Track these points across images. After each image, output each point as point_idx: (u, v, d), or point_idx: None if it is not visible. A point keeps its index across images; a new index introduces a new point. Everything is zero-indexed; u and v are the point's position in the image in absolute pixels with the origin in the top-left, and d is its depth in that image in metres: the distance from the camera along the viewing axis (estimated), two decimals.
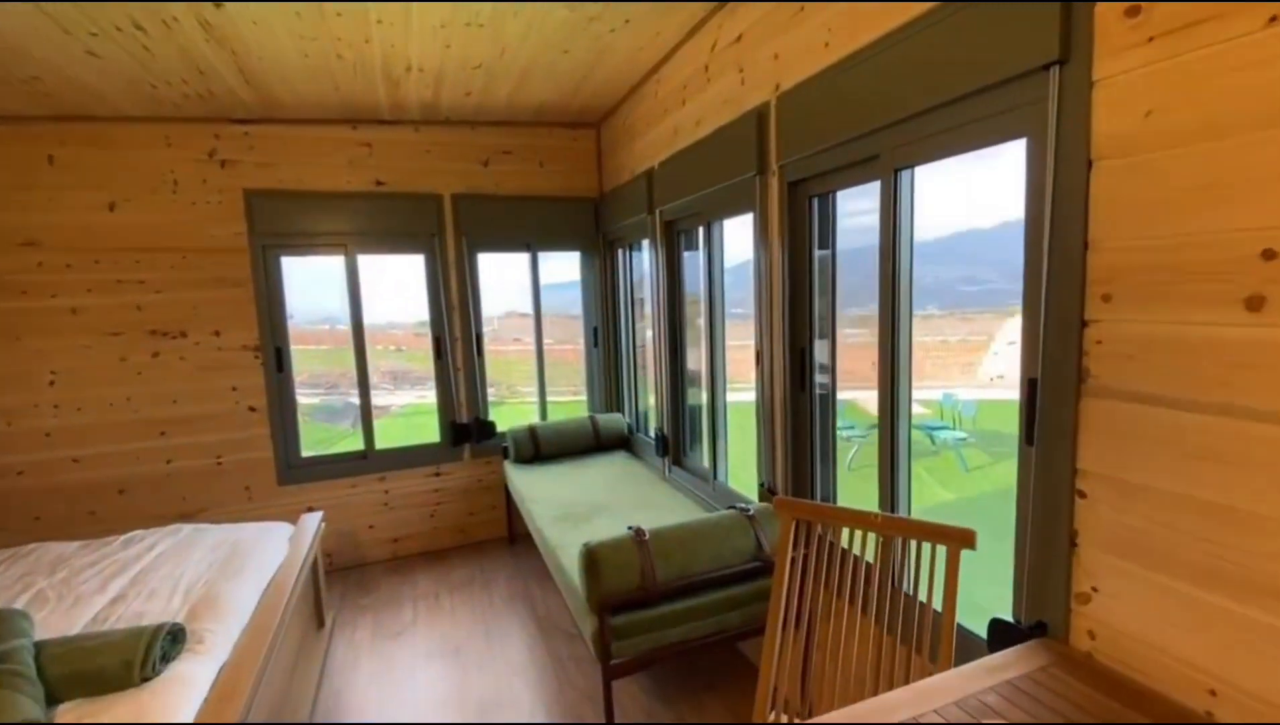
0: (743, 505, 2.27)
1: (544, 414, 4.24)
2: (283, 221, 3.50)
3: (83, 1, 2.00)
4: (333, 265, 3.72)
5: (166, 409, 3.42)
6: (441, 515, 3.97)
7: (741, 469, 3.08)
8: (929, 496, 7.16)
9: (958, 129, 1.49)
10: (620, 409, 4.17)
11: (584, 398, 4.40)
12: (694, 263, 3.21)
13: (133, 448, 3.38)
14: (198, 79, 2.81)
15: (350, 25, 2.37)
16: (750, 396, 2.52)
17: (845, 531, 1.72)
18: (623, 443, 3.99)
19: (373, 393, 3.87)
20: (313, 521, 2.95)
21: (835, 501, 2.27)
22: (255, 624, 2.02)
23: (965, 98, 1.44)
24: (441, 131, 3.74)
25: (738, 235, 2.87)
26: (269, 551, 2.56)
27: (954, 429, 8.09)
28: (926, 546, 1.56)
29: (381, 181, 3.67)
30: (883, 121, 1.67)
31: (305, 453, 3.78)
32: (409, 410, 13.66)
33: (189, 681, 1.60)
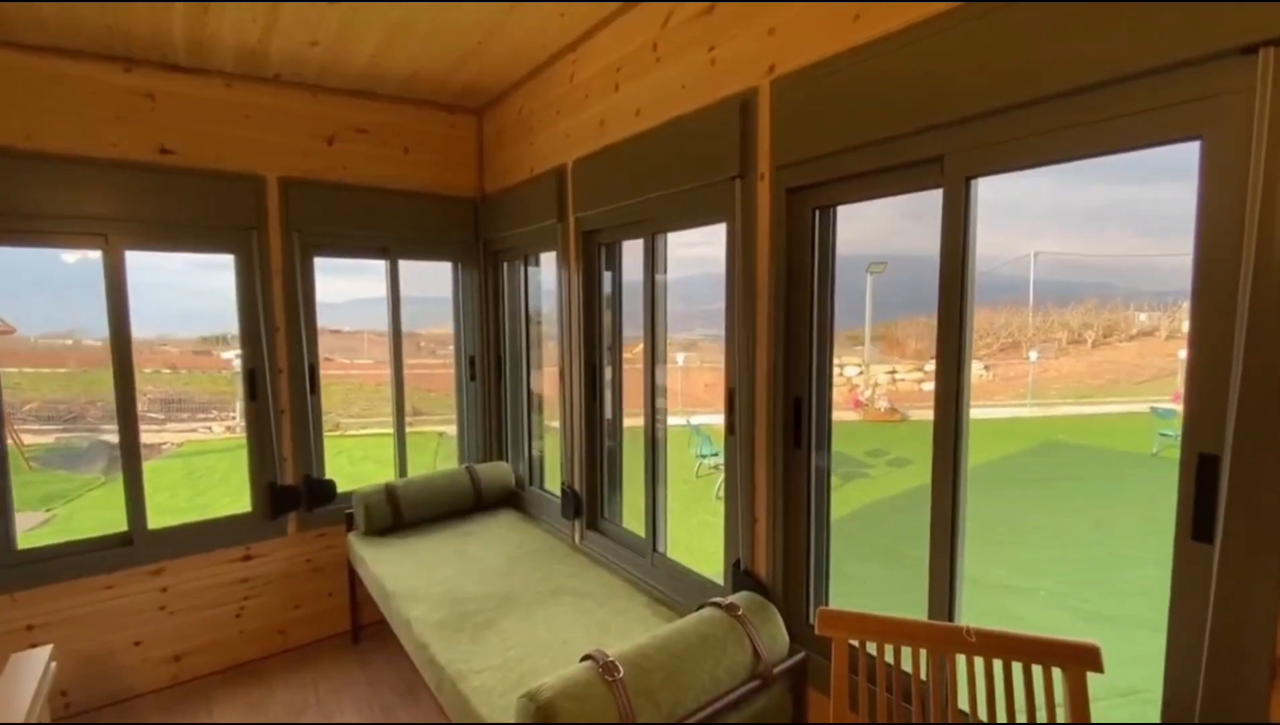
0: (725, 601, 1.74)
1: (403, 467, 3.34)
2: None
3: None
4: (80, 260, 2.53)
5: None
6: (252, 614, 2.88)
7: (675, 526, 2.56)
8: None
9: (1073, 129, 1.16)
10: (503, 456, 3.43)
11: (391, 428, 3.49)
12: (610, 282, 2.67)
13: None
14: None
15: None
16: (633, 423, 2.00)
17: (921, 654, 1.28)
18: (509, 499, 3.25)
19: (140, 429, 2.70)
20: (31, 666, 1.83)
21: (828, 583, 1.85)
22: None
23: (1093, 89, 1.11)
24: (268, 92, 2.77)
25: (675, 252, 2.40)
26: None
27: None
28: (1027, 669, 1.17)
29: (169, 150, 2.59)
30: (955, 116, 1.30)
31: (22, 537, 2.49)
32: (188, 449, 11.04)
33: None
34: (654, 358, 2.32)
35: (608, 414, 2.68)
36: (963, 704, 1.25)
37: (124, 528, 2.64)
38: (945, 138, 1.34)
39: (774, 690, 1.72)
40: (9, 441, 2.52)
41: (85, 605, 2.53)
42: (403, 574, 2.47)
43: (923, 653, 1.27)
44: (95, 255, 2.54)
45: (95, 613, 2.55)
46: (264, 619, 2.91)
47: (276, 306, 2.85)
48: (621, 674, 1.46)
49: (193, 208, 2.65)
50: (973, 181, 1.34)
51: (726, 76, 1.85)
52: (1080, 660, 1.16)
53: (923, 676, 1.32)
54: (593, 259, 2.59)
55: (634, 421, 2.53)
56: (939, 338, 1.42)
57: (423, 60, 2.61)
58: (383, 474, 3.16)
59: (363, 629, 3.06)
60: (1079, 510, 7.11)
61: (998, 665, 1.22)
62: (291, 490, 2.92)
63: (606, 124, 2.37)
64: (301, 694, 2.64)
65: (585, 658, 1.52)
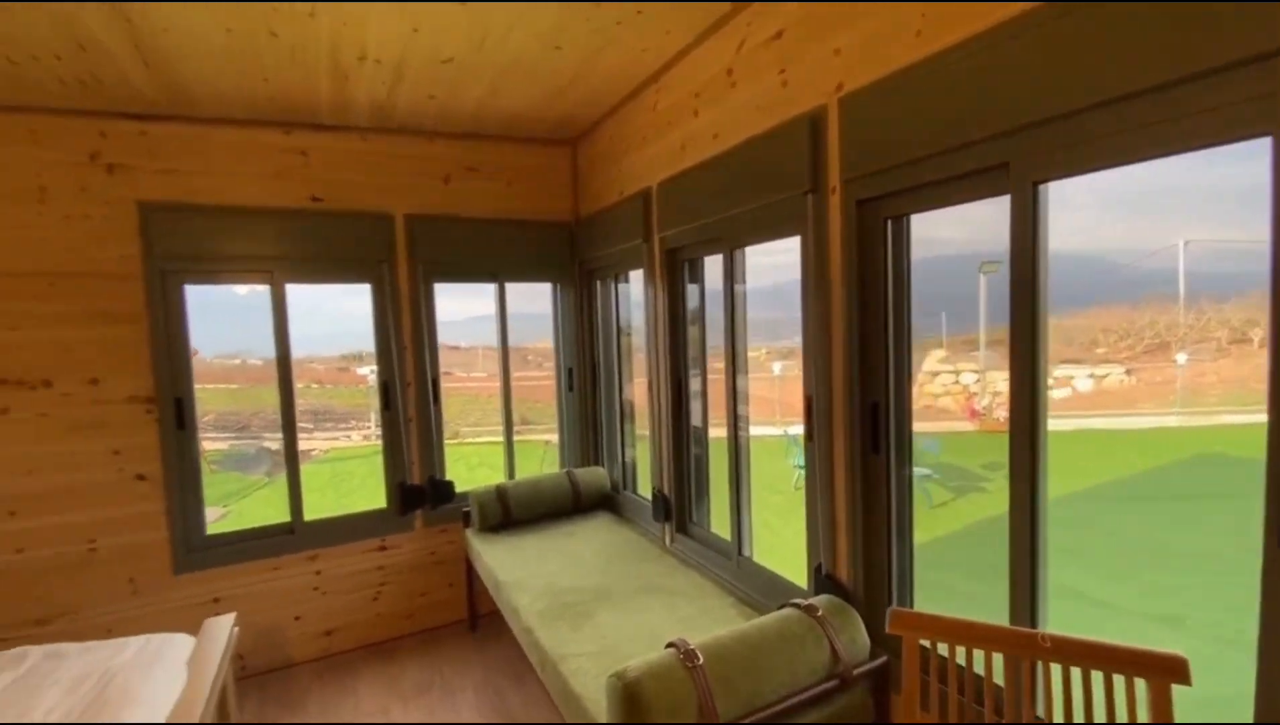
0: (805, 602, 1.81)
1: (512, 471, 3.65)
2: (190, 242, 2.82)
3: None
4: (246, 291, 3.05)
5: (17, 482, 2.61)
6: (387, 599, 3.28)
7: (762, 530, 2.63)
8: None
9: (1138, 130, 1.15)
10: (599, 462, 3.65)
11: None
12: (697, 295, 2.79)
13: None
14: (77, 56, 2.16)
15: None
16: (760, 432, 2.07)
17: (994, 658, 1.29)
18: (605, 503, 3.46)
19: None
20: (220, 630, 2.24)
21: (913, 589, 1.86)
22: None
23: (1157, 89, 1.10)
24: (394, 141, 3.18)
25: (758, 262, 2.49)
26: (156, 688, 1.86)
27: (915, 464, 8.02)
28: (1112, 679, 1.15)
29: (318, 197, 3.06)
30: (1018, 122, 1.31)
31: (210, 527, 3.01)
32: (333, 455, 12.42)
33: None
34: (735, 367, 2.42)
35: (695, 423, 2.80)
36: (1039, 710, 1.24)
37: (287, 519, 3.11)
38: (1009, 144, 1.36)
39: (855, 692, 1.75)
40: (198, 452, 3.06)
41: (257, 584, 3.02)
42: (511, 566, 2.72)
43: (998, 657, 1.28)
44: (262, 288, 3.04)
45: (265, 591, 3.03)
46: (396, 604, 3.29)
47: (404, 327, 3.25)
48: (701, 661, 1.57)
49: (337, 245, 3.09)
50: (1040, 186, 1.34)
51: (797, 96, 1.94)
52: (1166, 672, 1.13)
53: (997, 680, 1.32)
54: (676, 275, 2.73)
55: (723, 431, 2.61)
56: (1011, 346, 1.42)
57: (521, 102, 2.89)
58: (496, 478, 3.48)
59: (479, 618, 3.37)
60: (1234, 530, 6.24)
61: (1076, 673, 1.21)
62: (418, 489, 3.30)
63: (687, 147, 2.52)
64: (428, 673, 2.97)
65: (669, 645, 1.65)
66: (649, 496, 3.05)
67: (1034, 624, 1.41)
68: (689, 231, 2.53)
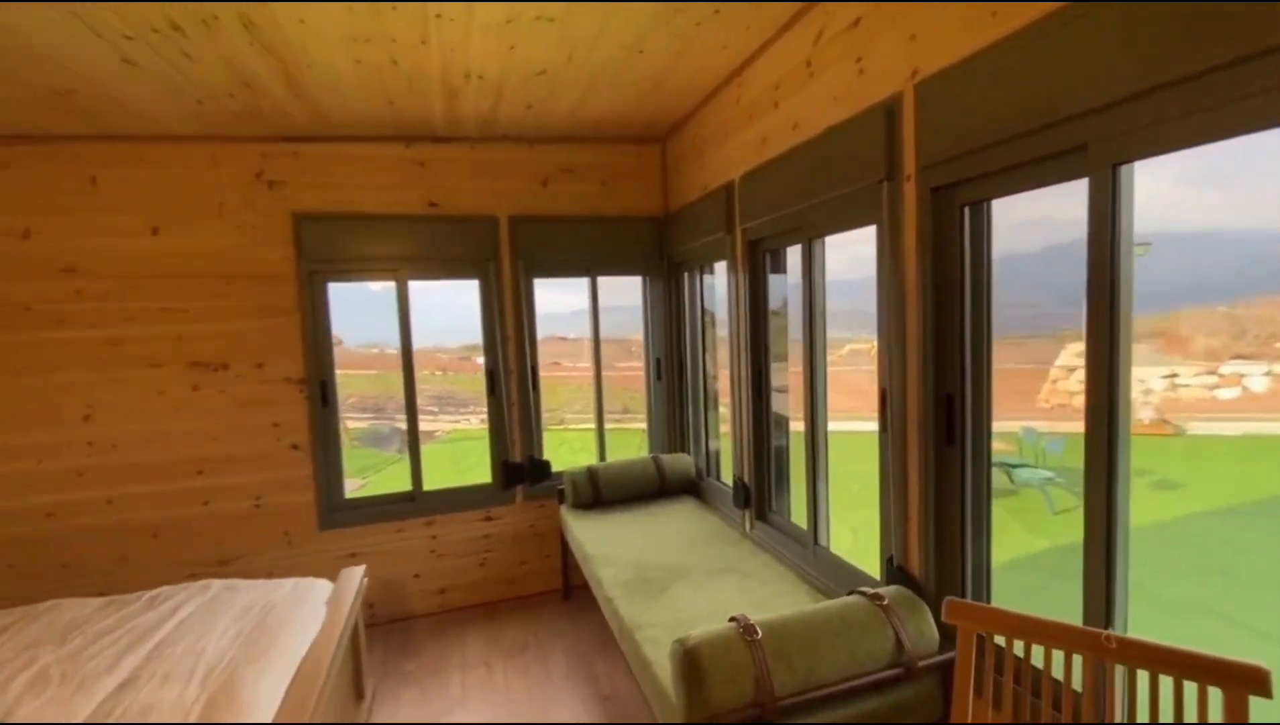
0: (871, 590, 1.82)
1: (602, 454, 3.86)
2: (332, 246, 3.27)
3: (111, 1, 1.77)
4: (382, 288, 3.47)
5: (205, 447, 3.18)
6: (491, 564, 3.62)
7: (840, 525, 2.63)
8: (1016, 544, 6.46)
9: (1222, 107, 1.07)
10: (685, 448, 3.76)
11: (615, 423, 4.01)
12: (779, 286, 2.82)
13: (168, 488, 3.14)
14: (244, 92, 2.59)
15: (407, 22, 2.09)
16: (837, 427, 2.06)
17: (1056, 655, 1.27)
18: (689, 488, 3.57)
19: (419, 419, 3.56)
20: (353, 578, 2.63)
21: (990, 587, 1.81)
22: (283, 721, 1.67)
23: (1240, 63, 1.02)
24: (498, 149, 3.47)
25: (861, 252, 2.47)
26: (304, 618, 2.24)
27: (1035, 467, 7.37)
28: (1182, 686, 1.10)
29: (435, 203, 3.41)
30: (1096, 102, 1.26)
31: (349, 492, 3.49)
32: (454, 436, 13.53)
33: None
34: (813, 358, 2.43)
35: (777, 413, 2.84)
36: (1116, 714, 1.21)
37: (409, 488, 3.53)
38: (1088, 125, 1.30)
39: (921, 684, 1.75)
40: (341, 428, 3.54)
41: (384, 543, 3.45)
42: (599, 541, 2.92)
43: (1059, 656, 1.26)
44: (392, 284, 3.45)
45: (390, 550, 3.46)
46: (499, 570, 3.62)
47: (508, 320, 3.54)
48: (760, 635, 1.65)
49: (451, 245, 3.44)
50: (1120, 168, 1.27)
51: (873, 85, 1.92)
52: (1245, 682, 1.07)
53: (1057, 676, 1.29)
54: (758, 265, 2.78)
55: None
56: (1088, 341, 1.36)
57: (610, 106, 3.05)
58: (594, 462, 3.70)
59: (572, 589, 3.63)
60: None
61: (1143, 677, 1.16)
62: (519, 467, 3.60)
63: (768, 140, 2.55)
64: (524, 635, 3.25)
65: (731, 619, 1.74)
66: (731, 484, 3.12)
67: (1109, 625, 1.35)
68: (769, 223, 2.57)
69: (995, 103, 1.49)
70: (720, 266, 3.20)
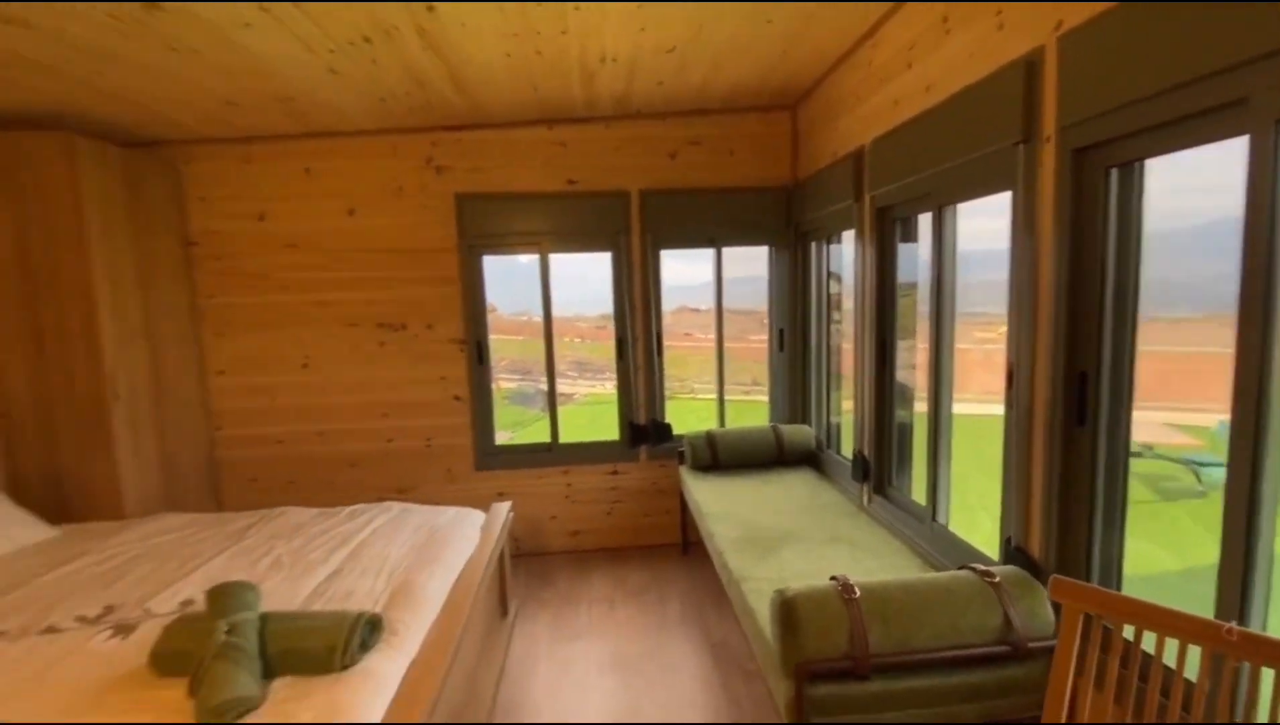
0: (982, 567, 1.80)
1: (722, 420, 3.99)
2: (486, 223, 3.68)
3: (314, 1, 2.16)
4: (529, 260, 3.84)
5: (389, 393, 3.80)
6: (618, 514, 3.94)
7: (960, 505, 2.55)
8: (1200, 551, 5.62)
9: None
10: (806, 420, 3.77)
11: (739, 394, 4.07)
12: (909, 256, 2.72)
13: (362, 427, 3.81)
14: (417, 90, 3.00)
15: (548, 15, 2.31)
16: (963, 408, 1.99)
17: (1170, 643, 1.23)
18: (808, 459, 3.59)
19: (560, 382, 3.94)
20: (501, 511, 3.04)
21: (1121, 578, 1.71)
22: (444, 619, 2.06)
23: None
24: (631, 126, 3.65)
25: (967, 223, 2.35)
26: (462, 539, 2.66)
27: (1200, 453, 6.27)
28: None
29: (573, 181, 3.69)
30: (1256, 51, 1.13)
31: (499, 441, 3.97)
32: (590, 400, 14.39)
33: (379, 677, 1.64)
34: (939, 332, 2.36)
35: (902, 387, 2.77)
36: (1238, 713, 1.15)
37: (548, 440, 3.93)
38: (1249, 76, 1.16)
39: (1031, 665, 1.71)
40: (493, 385, 4.02)
41: (527, 487, 3.90)
42: (714, 501, 3.08)
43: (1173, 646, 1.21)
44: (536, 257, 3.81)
45: (531, 493, 3.90)
46: (624, 520, 3.94)
47: (636, 290, 3.77)
48: (858, 595, 1.72)
49: (587, 220, 3.71)
50: None
51: (1013, 40, 1.81)
52: None
53: (1174, 665, 1.24)
54: (886, 234, 2.70)
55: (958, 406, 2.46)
56: (1240, 321, 1.24)
57: (740, 76, 3.08)
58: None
59: (690, 544, 3.85)
60: None
61: (1268, 675, 1.10)
62: (643, 428, 3.85)
63: (900, 102, 2.46)
64: (646, 578, 3.54)
65: (831, 578, 1.83)
66: (850, 457, 3.11)
67: (1243, 618, 1.26)
68: (899, 190, 2.49)
69: (1144, 55, 1.37)
70: (849, 235, 3.14)
